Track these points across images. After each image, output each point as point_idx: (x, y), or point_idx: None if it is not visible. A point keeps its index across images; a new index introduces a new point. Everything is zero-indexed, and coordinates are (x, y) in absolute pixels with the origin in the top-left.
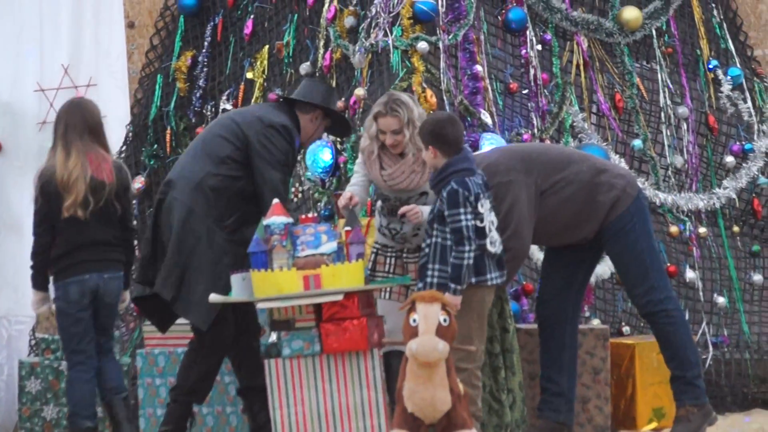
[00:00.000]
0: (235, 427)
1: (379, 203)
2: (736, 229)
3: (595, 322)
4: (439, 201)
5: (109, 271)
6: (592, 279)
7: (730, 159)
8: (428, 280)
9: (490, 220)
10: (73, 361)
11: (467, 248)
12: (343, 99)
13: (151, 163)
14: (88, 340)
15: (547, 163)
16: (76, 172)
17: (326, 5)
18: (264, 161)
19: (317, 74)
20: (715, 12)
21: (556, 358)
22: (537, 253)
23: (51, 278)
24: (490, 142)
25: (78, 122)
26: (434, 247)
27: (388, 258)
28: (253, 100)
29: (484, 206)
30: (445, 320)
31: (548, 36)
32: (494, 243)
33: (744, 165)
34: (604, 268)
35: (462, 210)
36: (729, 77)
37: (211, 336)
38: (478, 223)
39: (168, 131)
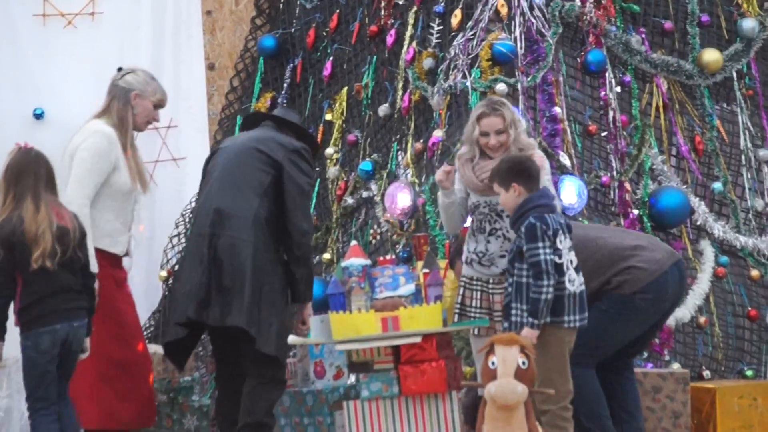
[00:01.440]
0: None
1: (469, 225)
2: None
3: (675, 366)
4: (518, 237)
5: (77, 319)
6: (672, 323)
7: None
8: (513, 319)
9: (569, 258)
10: (36, 408)
11: (546, 282)
12: (421, 141)
13: None
14: (52, 387)
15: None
16: (44, 224)
17: (405, 47)
18: (296, 186)
19: (395, 116)
20: None
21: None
22: None
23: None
24: (569, 185)
25: (44, 174)
26: (516, 287)
27: (474, 292)
28: (331, 142)
29: (563, 243)
30: (523, 363)
31: (627, 78)
32: (573, 282)
33: None
34: (684, 311)
35: (540, 244)
36: None
37: (276, 370)
38: (557, 259)
39: None
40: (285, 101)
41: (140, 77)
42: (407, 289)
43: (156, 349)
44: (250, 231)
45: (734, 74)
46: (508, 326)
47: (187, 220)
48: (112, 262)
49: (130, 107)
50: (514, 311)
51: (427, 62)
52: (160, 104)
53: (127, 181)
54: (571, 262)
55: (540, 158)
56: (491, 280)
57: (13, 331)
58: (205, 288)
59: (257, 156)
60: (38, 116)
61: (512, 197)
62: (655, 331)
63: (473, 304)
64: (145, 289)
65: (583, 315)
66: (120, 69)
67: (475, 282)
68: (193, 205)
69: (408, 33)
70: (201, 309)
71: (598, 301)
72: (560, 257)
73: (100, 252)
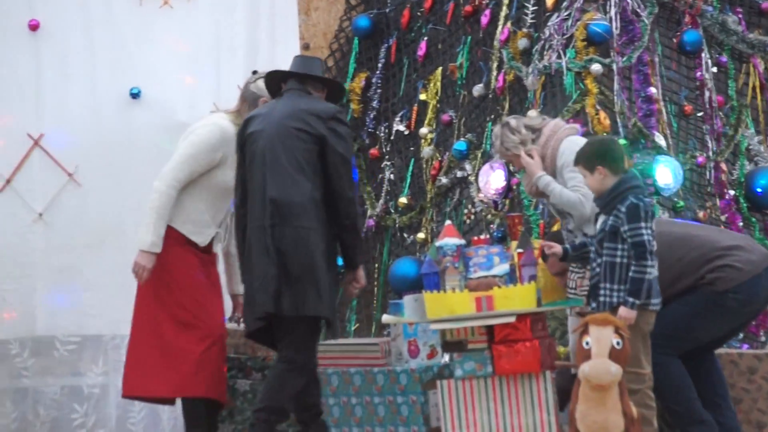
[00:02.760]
0: (360, 418)
1: None
2: None
3: None
4: (613, 217)
5: None
6: None
7: None
8: (601, 299)
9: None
10: None
11: (650, 262)
12: None
13: None
14: None
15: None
16: None
17: (500, 27)
18: (338, 156)
19: (490, 96)
20: None
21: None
22: None
23: None
24: (665, 165)
25: None
26: (606, 266)
27: (572, 274)
28: (426, 122)
29: (654, 227)
30: (618, 343)
31: (724, 58)
32: (655, 266)
33: None
34: None
35: (643, 224)
36: None
37: (304, 358)
38: (653, 241)
39: None
40: (379, 82)
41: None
42: (501, 268)
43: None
44: (312, 217)
45: None
46: (596, 306)
47: None
48: (195, 248)
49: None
50: (602, 291)
51: (522, 42)
52: None
53: (229, 180)
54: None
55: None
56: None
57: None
58: (276, 280)
59: (298, 135)
60: (135, 96)
61: (597, 180)
62: (737, 332)
63: (570, 286)
64: None
65: (659, 299)
66: (254, 72)
67: (574, 265)
68: None
69: (503, 13)
70: (276, 301)
71: (689, 293)
72: (654, 239)
73: (182, 236)
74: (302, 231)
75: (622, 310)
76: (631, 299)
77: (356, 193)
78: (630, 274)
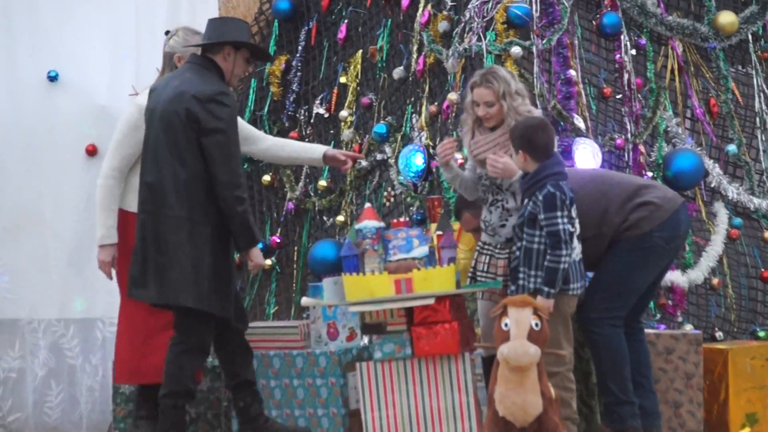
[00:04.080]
0: (327, 430)
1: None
2: None
3: (688, 328)
4: (532, 204)
5: None
6: (685, 284)
7: None
8: (520, 283)
9: (577, 227)
10: None
11: (564, 252)
12: (435, 103)
13: (245, 167)
14: None
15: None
16: None
17: (420, 10)
18: (211, 139)
19: (410, 79)
20: None
21: None
22: None
23: None
24: (584, 147)
25: None
26: (524, 252)
27: (484, 256)
28: (346, 105)
29: (574, 212)
30: (536, 325)
31: (643, 40)
32: (575, 250)
33: None
34: (698, 273)
35: (559, 213)
36: None
37: (196, 338)
38: (570, 228)
39: None
40: (299, 64)
41: (180, 38)
42: (421, 251)
43: None
44: (186, 204)
45: (749, 36)
46: (515, 290)
47: None
48: None
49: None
50: (522, 275)
51: (442, 25)
52: None
53: None
54: (576, 230)
55: None
56: (498, 246)
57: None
58: (141, 266)
59: (178, 119)
60: (52, 79)
61: (518, 162)
62: (664, 273)
63: (481, 268)
64: None
65: (583, 282)
66: (167, 32)
67: (486, 247)
68: None
69: None
70: (142, 289)
71: (614, 249)
72: (573, 226)
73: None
74: (172, 219)
75: (539, 299)
76: (546, 288)
77: (233, 175)
78: (545, 263)
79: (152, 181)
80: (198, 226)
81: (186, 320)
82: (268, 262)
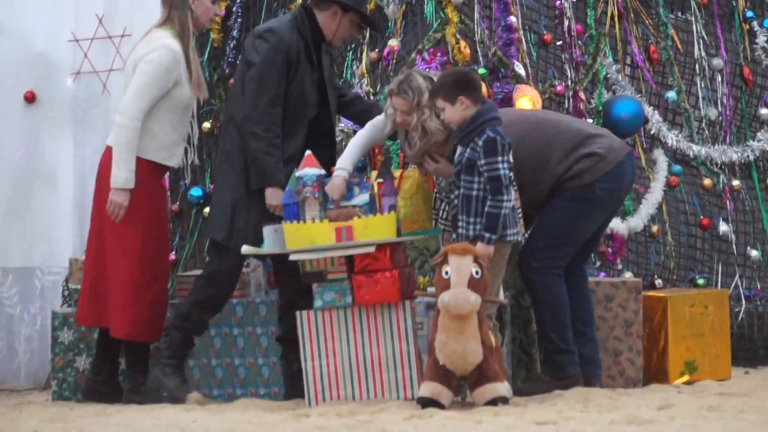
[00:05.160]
0: (267, 379)
1: None
2: None
3: (628, 275)
4: (470, 150)
5: None
6: (625, 232)
7: (764, 111)
8: (460, 231)
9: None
10: None
11: (505, 197)
12: (376, 50)
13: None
14: None
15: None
16: None
17: None
18: (239, 73)
19: None
20: None
21: None
22: None
23: None
24: (524, 93)
25: None
26: (464, 199)
27: (441, 202)
28: None
29: (511, 157)
30: (477, 273)
31: None
32: (511, 197)
33: None
34: (637, 220)
35: (500, 158)
36: (765, 28)
37: (210, 269)
38: (510, 173)
39: None
40: (240, 10)
41: None
42: (361, 198)
43: None
44: (230, 140)
45: None
46: (456, 238)
47: None
48: (162, 173)
49: (189, 12)
50: (461, 223)
51: None
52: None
53: (188, 94)
54: (511, 177)
55: None
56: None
57: None
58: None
59: (242, 58)
60: None
61: (458, 111)
62: (607, 223)
63: (441, 216)
64: None
65: (517, 229)
66: None
67: (441, 194)
68: None
69: None
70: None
71: (556, 198)
72: (511, 170)
73: (155, 165)
74: (223, 154)
75: (480, 246)
76: (487, 234)
77: (256, 112)
78: (486, 208)
79: (223, 119)
80: (233, 159)
81: (211, 252)
82: (207, 210)
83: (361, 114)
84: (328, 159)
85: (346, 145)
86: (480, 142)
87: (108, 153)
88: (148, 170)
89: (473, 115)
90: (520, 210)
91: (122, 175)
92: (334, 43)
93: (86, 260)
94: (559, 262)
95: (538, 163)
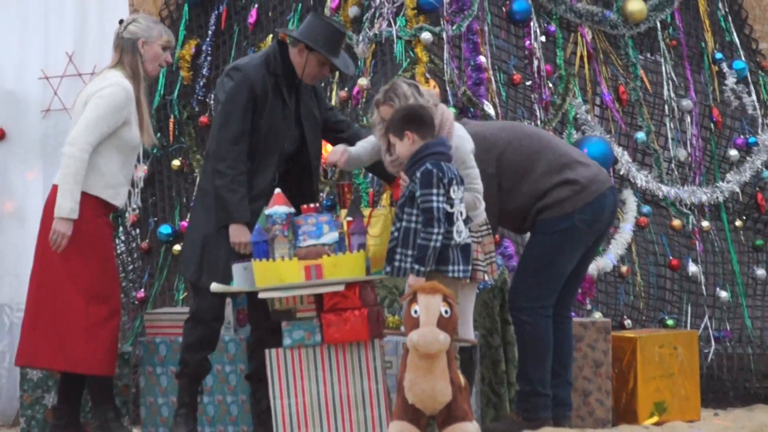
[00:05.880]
0: (236, 417)
1: None
2: (739, 223)
3: (597, 315)
4: (411, 183)
5: None
6: (594, 272)
7: (733, 152)
8: (396, 264)
9: (460, 209)
10: None
11: (436, 230)
12: (346, 89)
13: (154, 151)
14: None
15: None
16: None
17: None
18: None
19: None
20: (720, 4)
21: None
22: None
23: None
24: None
25: None
26: (403, 232)
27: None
28: None
29: (456, 193)
30: (446, 312)
31: (552, 27)
32: (460, 233)
33: (748, 159)
34: (606, 261)
35: (435, 191)
36: (734, 70)
37: (192, 310)
38: (448, 208)
39: (171, 120)
40: (209, 49)
41: (142, 24)
42: (331, 237)
43: None
44: (201, 172)
45: (658, 24)
46: (390, 271)
47: None
48: (108, 212)
49: (139, 56)
50: (398, 256)
51: (353, 10)
52: (168, 46)
53: (136, 135)
54: (461, 213)
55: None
56: (471, 228)
57: None
58: None
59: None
60: None
61: (407, 146)
62: (587, 263)
63: None
64: None
65: (467, 267)
66: (121, 21)
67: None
68: None
69: None
70: None
71: (536, 232)
72: (452, 206)
73: (101, 202)
74: (198, 190)
75: (411, 278)
76: (416, 266)
77: (220, 148)
78: (418, 240)
79: None
80: (206, 196)
81: (189, 289)
82: (177, 247)
83: (352, 138)
84: (307, 194)
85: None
86: (418, 174)
87: (55, 191)
88: (95, 207)
89: (419, 148)
90: (493, 255)
91: (67, 206)
92: (305, 81)
93: (28, 299)
94: (547, 302)
95: (520, 171)
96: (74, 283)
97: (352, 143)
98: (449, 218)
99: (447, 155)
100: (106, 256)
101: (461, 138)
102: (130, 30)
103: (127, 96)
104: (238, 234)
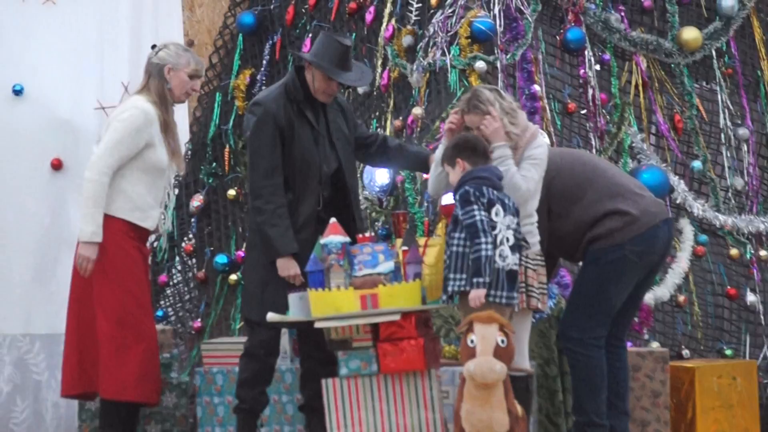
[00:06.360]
0: (268, 416)
1: None
2: None
3: (655, 345)
4: (456, 207)
5: None
6: (651, 301)
7: None
8: (450, 289)
9: (505, 235)
10: None
11: (483, 239)
12: (400, 118)
13: (210, 181)
14: None
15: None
16: None
17: (384, 24)
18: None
19: (374, 93)
20: None
21: None
22: None
23: None
24: None
25: None
26: (453, 257)
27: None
28: None
29: (500, 218)
30: (502, 341)
31: (607, 56)
32: (504, 258)
33: None
34: (663, 290)
35: (474, 207)
36: None
37: (247, 346)
38: (492, 219)
39: (227, 149)
40: (264, 78)
41: (172, 51)
42: (386, 266)
43: None
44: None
45: (713, 53)
46: (446, 299)
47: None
48: (140, 235)
49: (165, 82)
50: (450, 282)
51: (406, 39)
52: (196, 74)
53: (162, 158)
54: (507, 239)
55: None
56: (528, 254)
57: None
58: None
59: None
60: (17, 92)
61: (458, 174)
62: (642, 293)
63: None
64: None
65: (510, 294)
66: (154, 46)
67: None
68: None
69: (387, 10)
70: None
71: (587, 262)
72: (494, 228)
73: (129, 225)
74: (250, 228)
75: (472, 293)
76: (474, 279)
77: (255, 186)
78: (471, 256)
79: None
80: (252, 234)
81: (244, 325)
82: (233, 276)
83: (384, 146)
84: (345, 214)
85: None
86: (457, 197)
87: None
88: (122, 230)
89: (463, 174)
90: (546, 285)
91: (89, 229)
92: (319, 98)
93: (67, 328)
94: (599, 332)
95: (571, 196)
96: (101, 307)
97: (384, 152)
98: (491, 228)
99: (491, 181)
100: (134, 279)
101: (545, 143)
102: (159, 56)
103: (146, 119)
104: (286, 267)
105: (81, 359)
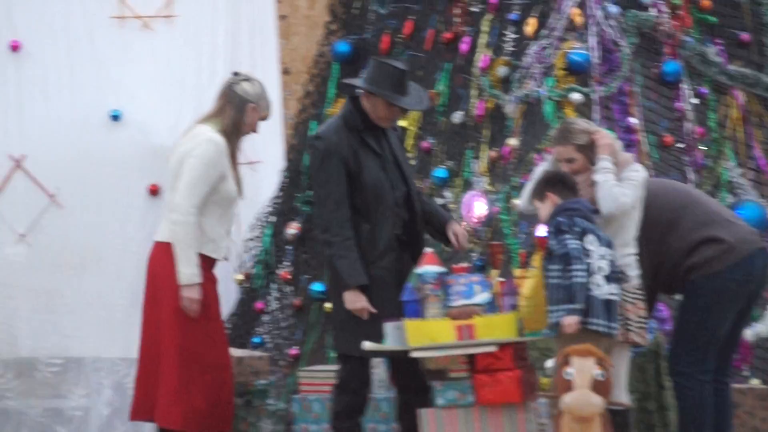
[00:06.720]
0: None
1: None
2: None
3: (755, 382)
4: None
5: None
6: (751, 338)
7: None
8: (551, 321)
9: (599, 264)
10: None
11: (576, 266)
12: (495, 149)
13: (306, 209)
14: None
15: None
16: None
17: (479, 54)
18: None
19: (469, 123)
20: None
21: None
22: None
23: None
24: None
25: None
26: (551, 289)
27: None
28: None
29: (594, 246)
30: (600, 375)
31: (704, 89)
32: (600, 287)
33: None
34: (763, 326)
35: (567, 235)
36: None
37: (339, 378)
38: (585, 246)
39: None
40: None
41: (257, 89)
42: (482, 297)
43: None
44: None
45: None
46: (548, 331)
47: (263, 223)
48: (210, 266)
49: (243, 116)
50: (552, 313)
51: (502, 70)
52: (265, 118)
53: (233, 188)
54: (601, 268)
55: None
56: (627, 288)
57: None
58: None
59: None
60: (115, 118)
61: (548, 207)
62: (743, 320)
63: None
64: (221, 292)
65: (609, 324)
66: (236, 74)
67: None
68: (267, 208)
69: (482, 40)
70: None
71: (687, 293)
72: (588, 256)
73: (202, 257)
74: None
75: (566, 319)
76: (568, 306)
77: (322, 219)
78: (565, 283)
79: None
80: (330, 269)
81: (337, 357)
82: (329, 304)
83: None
84: (414, 237)
85: None
86: (551, 228)
87: (157, 247)
88: (201, 265)
89: (554, 208)
90: (645, 320)
91: (188, 271)
92: (381, 125)
93: (140, 353)
94: (707, 366)
95: (667, 224)
96: (169, 338)
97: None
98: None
99: (582, 212)
100: (204, 312)
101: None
102: (244, 88)
103: (217, 150)
104: (353, 300)
105: (147, 385)
